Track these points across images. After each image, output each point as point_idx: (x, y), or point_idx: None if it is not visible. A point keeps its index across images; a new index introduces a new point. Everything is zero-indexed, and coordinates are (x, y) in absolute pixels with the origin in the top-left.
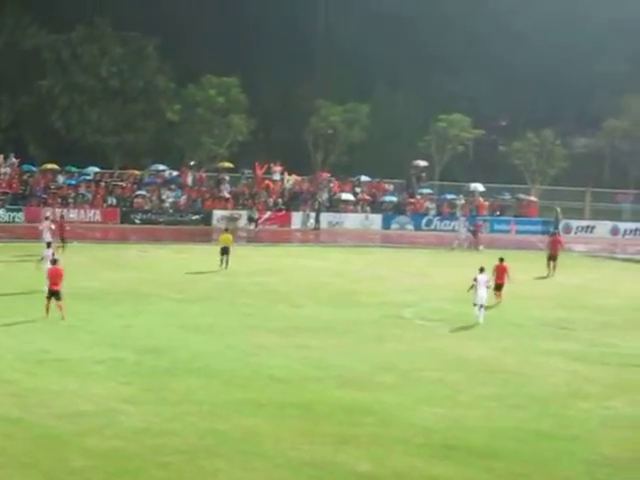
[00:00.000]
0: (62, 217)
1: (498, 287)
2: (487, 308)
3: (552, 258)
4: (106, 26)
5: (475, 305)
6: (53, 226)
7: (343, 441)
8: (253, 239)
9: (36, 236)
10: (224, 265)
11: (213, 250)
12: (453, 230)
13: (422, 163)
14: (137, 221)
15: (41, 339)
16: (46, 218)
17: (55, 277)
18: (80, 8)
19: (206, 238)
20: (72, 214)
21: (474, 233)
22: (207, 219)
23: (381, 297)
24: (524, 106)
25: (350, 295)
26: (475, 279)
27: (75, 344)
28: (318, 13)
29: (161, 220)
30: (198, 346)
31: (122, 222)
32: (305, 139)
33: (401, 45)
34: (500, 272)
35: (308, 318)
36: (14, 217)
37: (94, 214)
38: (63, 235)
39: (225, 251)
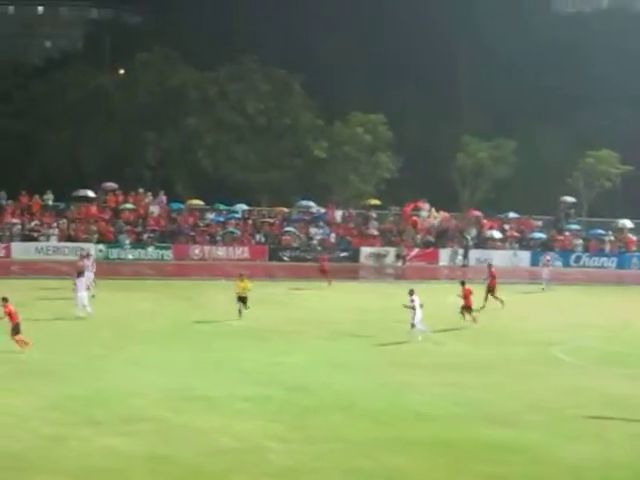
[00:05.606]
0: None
1: (468, 309)
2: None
3: None
4: (252, 63)
5: (413, 326)
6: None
7: None
8: (400, 276)
9: (185, 273)
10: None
11: (360, 287)
12: (602, 267)
13: (570, 199)
14: (285, 258)
15: (188, 376)
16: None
17: None
18: (226, 46)
19: (354, 275)
20: (220, 251)
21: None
22: (355, 256)
23: (529, 335)
24: None
25: (496, 332)
26: (412, 301)
27: (222, 381)
28: (463, 48)
29: (309, 257)
30: (345, 384)
31: (270, 259)
32: (451, 175)
33: (547, 80)
34: (467, 295)
35: (453, 355)
36: (163, 255)
37: (242, 251)
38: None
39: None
